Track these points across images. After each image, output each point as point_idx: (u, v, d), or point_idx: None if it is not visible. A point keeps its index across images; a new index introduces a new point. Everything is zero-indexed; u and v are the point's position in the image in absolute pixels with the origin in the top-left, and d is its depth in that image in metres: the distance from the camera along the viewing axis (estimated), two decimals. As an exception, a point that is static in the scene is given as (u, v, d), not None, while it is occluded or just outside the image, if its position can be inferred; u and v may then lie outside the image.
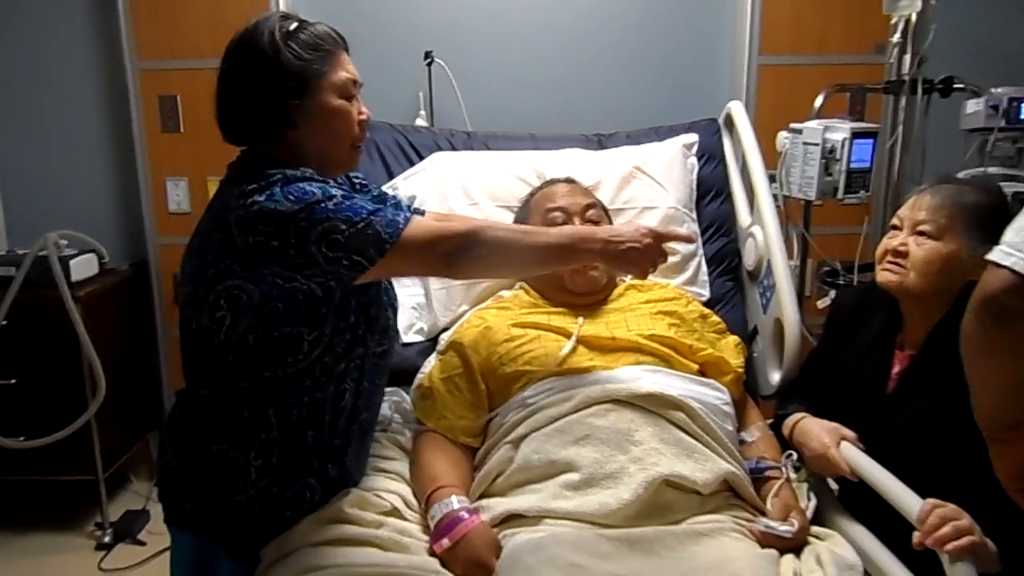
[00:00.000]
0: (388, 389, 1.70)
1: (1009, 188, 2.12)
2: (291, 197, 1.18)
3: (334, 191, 1.22)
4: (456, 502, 1.34)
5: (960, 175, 2.17)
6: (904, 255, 1.47)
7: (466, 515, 1.31)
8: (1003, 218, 1.49)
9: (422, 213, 1.64)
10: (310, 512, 1.30)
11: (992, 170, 2.17)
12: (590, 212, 1.75)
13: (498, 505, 1.37)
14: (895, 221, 1.54)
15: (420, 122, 2.58)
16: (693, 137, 2.06)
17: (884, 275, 1.50)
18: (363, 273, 1.23)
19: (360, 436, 1.41)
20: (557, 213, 1.72)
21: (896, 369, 1.54)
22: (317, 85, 1.26)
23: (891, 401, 1.51)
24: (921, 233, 1.46)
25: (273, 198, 1.18)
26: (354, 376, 1.33)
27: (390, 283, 1.46)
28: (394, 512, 1.38)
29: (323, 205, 1.19)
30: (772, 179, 2.12)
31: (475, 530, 1.29)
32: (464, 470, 1.49)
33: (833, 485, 1.59)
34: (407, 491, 1.46)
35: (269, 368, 1.27)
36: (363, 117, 1.34)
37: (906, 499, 1.27)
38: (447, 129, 2.19)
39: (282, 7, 2.55)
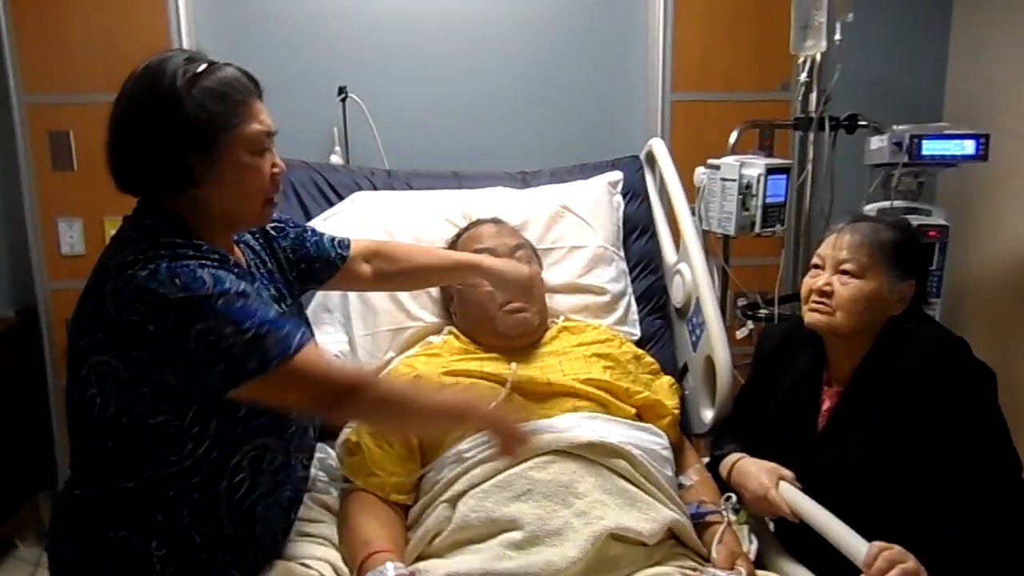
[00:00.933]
0: (311, 445, 1.61)
1: (913, 221, 2.23)
2: (177, 281, 1.05)
3: (228, 283, 1.08)
4: (392, 569, 1.25)
5: (867, 209, 2.26)
6: (830, 295, 1.49)
7: (403, 583, 1.23)
8: (916, 252, 1.54)
9: (347, 247, 1.53)
10: None
11: (897, 203, 2.27)
12: (518, 253, 1.71)
13: (437, 568, 1.30)
14: (816, 260, 1.56)
15: (335, 159, 2.49)
16: (618, 175, 2.06)
17: (812, 315, 1.52)
18: (238, 387, 1.08)
19: (283, 513, 1.30)
20: (485, 255, 1.67)
21: (826, 406, 1.55)
22: (226, 140, 1.13)
23: (823, 438, 1.53)
24: (844, 272, 1.49)
25: (157, 276, 1.05)
26: (255, 466, 1.20)
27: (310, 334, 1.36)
28: (322, 583, 1.29)
29: (211, 301, 1.06)
30: (691, 213, 2.14)
31: (414, 599, 1.22)
32: (398, 531, 1.41)
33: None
34: (336, 557, 1.36)
35: (152, 467, 1.14)
36: (276, 170, 1.21)
37: (850, 541, 1.26)
38: (366, 168, 2.11)
39: (185, 41, 2.42)
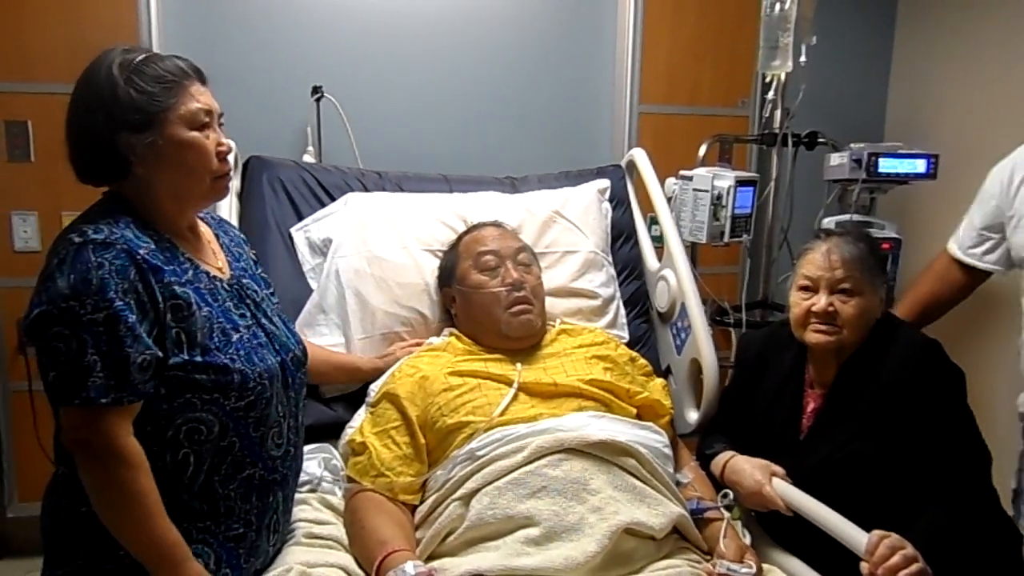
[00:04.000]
0: (315, 445, 1.61)
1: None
2: (72, 276, 1.10)
3: (111, 294, 1.10)
4: (412, 568, 1.26)
5: (826, 222, 2.39)
6: (834, 316, 1.55)
7: (425, 581, 1.24)
8: (881, 257, 1.64)
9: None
10: None
11: (856, 217, 2.40)
12: (521, 255, 1.74)
13: (456, 566, 1.31)
14: (805, 283, 1.60)
15: (308, 158, 2.46)
16: (606, 182, 2.11)
17: (818, 337, 1.56)
18: (56, 404, 1.13)
19: (256, 494, 1.28)
20: (490, 256, 1.70)
21: (810, 407, 1.63)
22: (163, 118, 1.19)
23: (808, 438, 1.61)
24: (843, 291, 1.55)
25: (62, 265, 1.11)
26: (193, 438, 1.20)
27: (276, 324, 1.37)
28: (338, 587, 1.28)
29: (79, 309, 1.09)
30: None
31: (436, 597, 1.23)
32: (409, 531, 1.42)
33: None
34: (348, 560, 1.36)
35: None
36: (222, 148, 1.27)
37: (849, 531, 1.34)
38: (356, 168, 2.10)
39: (154, 38, 2.36)
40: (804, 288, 1.61)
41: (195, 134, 1.22)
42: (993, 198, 1.91)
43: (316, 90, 2.50)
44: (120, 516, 1.14)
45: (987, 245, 1.95)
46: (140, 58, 1.20)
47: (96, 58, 1.20)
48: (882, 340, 1.58)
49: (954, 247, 2.01)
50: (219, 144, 1.26)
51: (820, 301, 1.56)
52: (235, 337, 1.25)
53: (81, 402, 1.09)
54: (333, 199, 1.93)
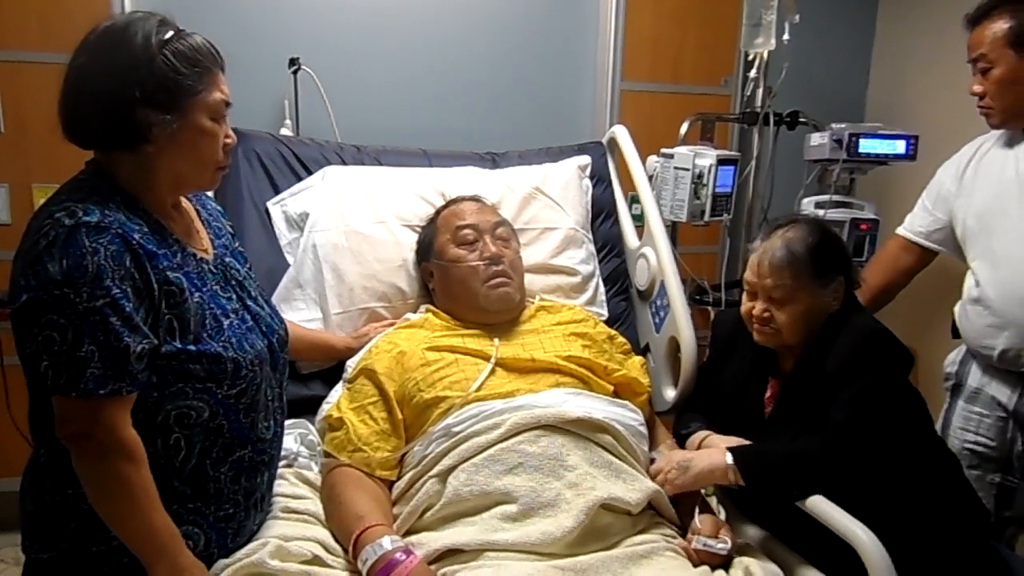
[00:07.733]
0: (292, 421, 1.59)
1: (847, 214, 2.37)
2: (65, 262, 1.06)
3: (108, 281, 1.08)
4: (389, 542, 1.26)
5: (806, 202, 2.39)
6: (769, 320, 1.53)
7: (402, 556, 1.24)
8: (834, 250, 1.58)
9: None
10: (204, 561, 1.19)
11: (835, 197, 2.41)
12: (500, 230, 1.73)
13: (433, 540, 1.32)
14: (747, 286, 1.59)
15: (285, 131, 2.43)
16: (587, 159, 2.10)
17: (760, 337, 1.57)
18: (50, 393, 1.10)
19: (245, 475, 1.28)
20: (468, 230, 1.69)
21: (768, 394, 1.62)
22: (190, 104, 1.17)
23: (769, 425, 1.59)
24: (774, 300, 1.52)
25: (52, 247, 1.07)
26: (183, 423, 1.19)
27: (260, 304, 1.36)
28: (316, 561, 1.28)
29: (75, 297, 1.06)
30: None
31: (414, 571, 1.22)
32: (386, 506, 1.42)
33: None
34: (324, 534, 1.36)
35: None
36: (228, 141, 1.25)
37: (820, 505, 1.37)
38: (334, 142, 2.07)
39: (127, 5, 2.30)
40: (748, 291, 1.59)
41: (213, 124, 1.20)
42: (944, 185, 1.96)
43: (293, 62, 2.46)
44: (119, 508, 1.12)
45: (937, 226, 1.97)
46: (171, 33, 1.17)
47: (121, 23, 1.16)
48: (835, 330, 1.53)
49: (904, 229, 2.06)
50: (227, 136, 1.25)
51: (756, 307, 1.55)
52: (226, 323, 1.24)
53: (79, 394, 1.07)
54: (310, 173, 1.90)
